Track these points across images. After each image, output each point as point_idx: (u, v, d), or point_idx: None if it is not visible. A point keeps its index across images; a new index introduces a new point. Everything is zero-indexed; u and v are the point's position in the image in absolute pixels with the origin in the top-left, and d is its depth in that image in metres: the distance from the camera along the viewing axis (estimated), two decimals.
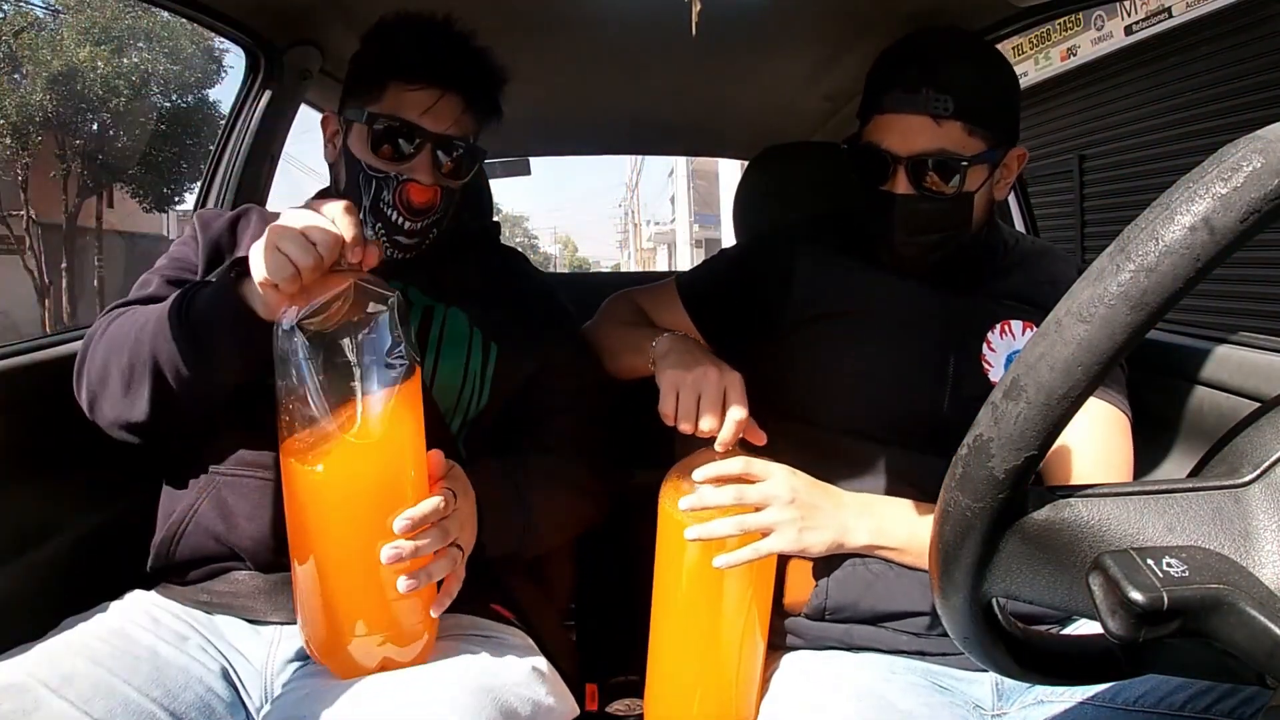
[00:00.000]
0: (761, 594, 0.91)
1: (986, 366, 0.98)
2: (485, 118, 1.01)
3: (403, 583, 0.76)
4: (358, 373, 0.77)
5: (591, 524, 1.06)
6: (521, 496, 0.95)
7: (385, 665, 0.81)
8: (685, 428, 0.89)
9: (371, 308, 0.78)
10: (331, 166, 1.03)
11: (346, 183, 0.99)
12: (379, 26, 1.00)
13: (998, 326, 0.99)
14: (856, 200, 1.03)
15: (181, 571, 0.93)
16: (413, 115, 0.94)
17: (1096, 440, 0.95)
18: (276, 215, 1.07)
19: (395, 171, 0.94)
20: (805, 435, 1.00)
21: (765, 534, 0.87)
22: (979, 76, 0.95)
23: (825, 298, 1.03)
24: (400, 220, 0.95)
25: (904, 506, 0.92)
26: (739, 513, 0.87)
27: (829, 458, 0.97)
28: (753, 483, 0.89)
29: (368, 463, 0.77)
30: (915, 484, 0.94)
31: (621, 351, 1.09)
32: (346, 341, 0.77)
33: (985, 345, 0.99)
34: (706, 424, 0.88)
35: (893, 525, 0.91)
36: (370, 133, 0.94)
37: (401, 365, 0.78)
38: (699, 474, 0.88)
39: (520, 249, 1.22)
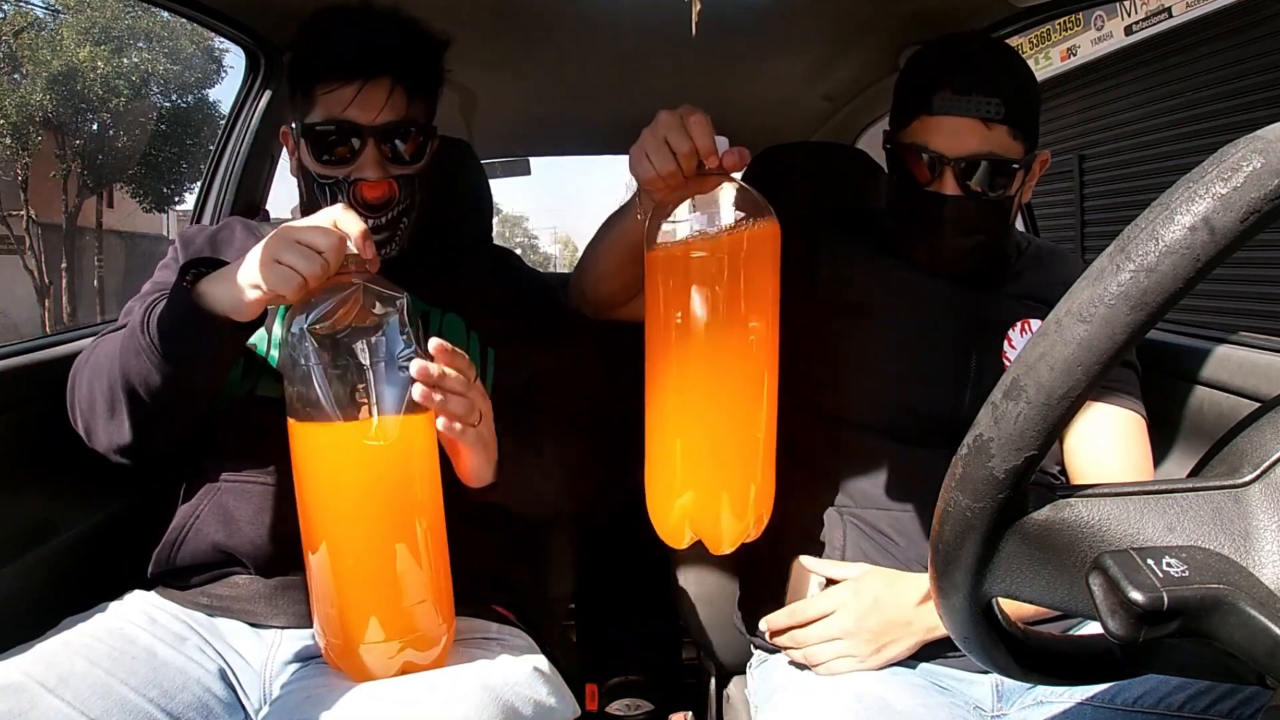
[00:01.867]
0: (765, 329, 0.79)
1: (1008, 365, 0.98)
2: (426, 93, 0.98)
3: (417, 390, 0.76)
4: (369, 375, 0.76)
5: (543, 511, 1.03)
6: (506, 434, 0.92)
7: (405, 669, 0.80)
8: (667, 168, 0.79)
9: (379, 309, 0.78)
10: (297, 179, 1.03)
11: (306, 196, 0.99)
12: (300, 31, 0.98)
13: (1019, 325, 1.00)
14: (878, 198, 1.02)
15: (182, 576, 0.93)
16: (340, 112, 0.92)
17: (1121, 448, 0.96)
18: (260, 226, 1.07)
19: (343, 174, 0.93)
20: (825, 432, 1.00)
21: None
22: (1021, 81, 0.96)
23: (849, 288, 1.03)
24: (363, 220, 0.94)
25: None
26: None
27: (848, 456, 0.97)
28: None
29: (381, 463, 0.77)
30: (934, 484, 0.94)
31: (609, 244, 0.98)
32: (356, 344, 0.77)
33: (1007, 343, 0.99)
34: (684, 151, 0.78)
35: None
36: (309, 142, 0.94)
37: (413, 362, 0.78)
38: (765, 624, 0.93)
39: (520, 249, 1.23)
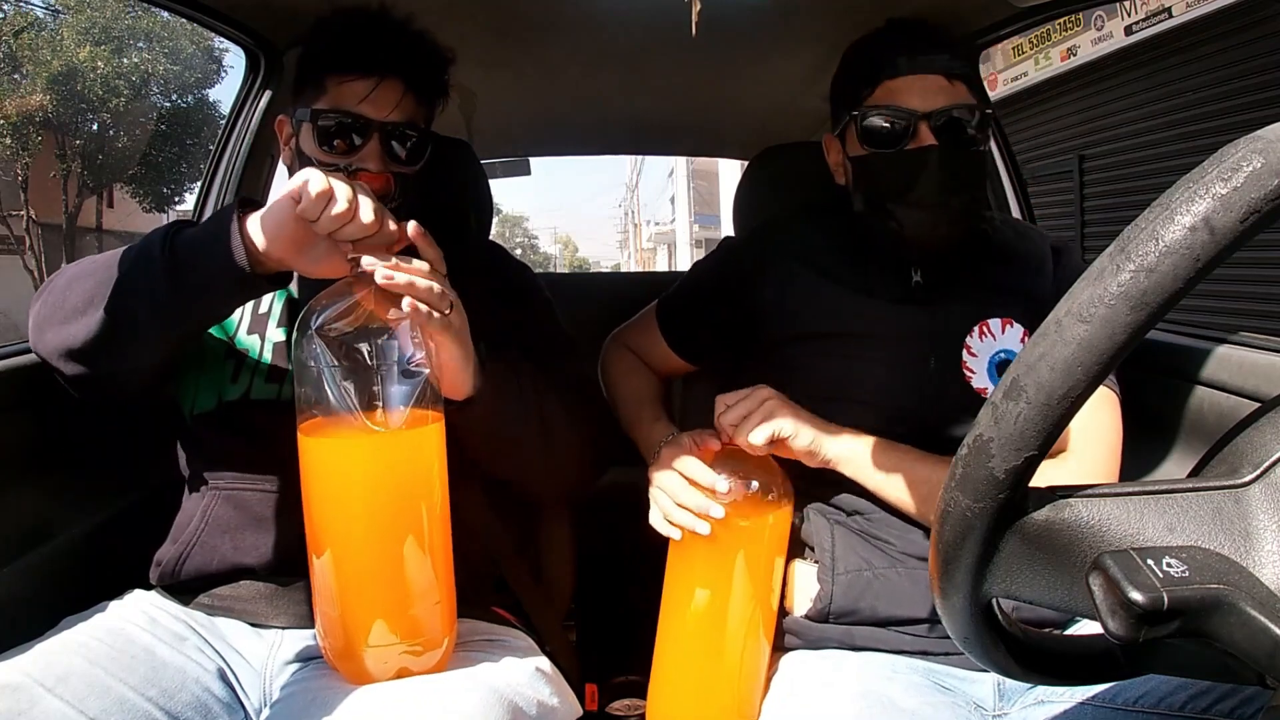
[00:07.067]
0: (767, 596, 0.91)
1: (969, 374, 0.97)
2: (430, 100, 1.01)
3: (380, 273, 0.77)
4: (379, 377, 0.76)
5: (530, 456, 0.98)
6: (516, 369, 0.95)
7: (402, 674, 0.80)
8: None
9: (392, 313, 0.78)
10: (289, 169, 1.03)
11: None
12: (315, 25, 1.01)
13: (975, 330, 0.98)
14: (841, 201, 1.02)
15: (190, 588, 0.93)
16: (353, 105, 0.94)
17: (1082, 420, 0.94)
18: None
19: (346, 163, 0.95)
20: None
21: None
22: (960, 50, 1.00)
23: (801, 319, 1.02)
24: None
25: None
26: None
27: (815, 477, 0.97)
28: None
29: (390, 465, 0.77)
30: None
31: (628, 423, 1.12)
32: (367, 346, 0.76)
33: (965, 352, 0.97)
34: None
35: (869, 457, 0.92)
36: (316, 129, 0.95)
37: (423, 369, 0.77)
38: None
39: (520, 249, 1.23)
